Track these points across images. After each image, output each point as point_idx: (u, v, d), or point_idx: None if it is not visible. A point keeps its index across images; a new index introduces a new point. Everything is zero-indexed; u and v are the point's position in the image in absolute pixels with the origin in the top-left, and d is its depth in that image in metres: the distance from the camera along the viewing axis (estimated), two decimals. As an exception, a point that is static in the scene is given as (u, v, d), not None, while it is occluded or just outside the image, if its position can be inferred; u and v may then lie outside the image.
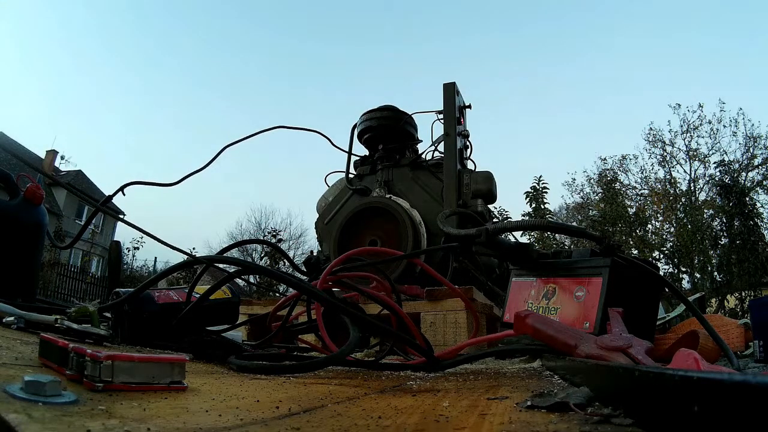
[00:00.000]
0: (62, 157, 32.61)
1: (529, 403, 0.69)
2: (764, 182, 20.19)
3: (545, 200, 14.85)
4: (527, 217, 13.50)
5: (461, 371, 1.59)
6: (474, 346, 1.93)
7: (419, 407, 0.79)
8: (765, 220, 16.08)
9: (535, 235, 13.73)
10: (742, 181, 18.90)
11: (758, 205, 16.86)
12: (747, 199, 16.20)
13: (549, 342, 1.32)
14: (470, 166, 3.77)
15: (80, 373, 0.70)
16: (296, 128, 3.53)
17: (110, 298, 1.76)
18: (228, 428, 0.57)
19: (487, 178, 3.40)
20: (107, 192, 2.66)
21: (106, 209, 3.08)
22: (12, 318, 1.29)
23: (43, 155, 31.85)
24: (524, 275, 2.11)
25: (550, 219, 14.95)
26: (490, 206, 3.60)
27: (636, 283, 1.78)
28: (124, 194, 2.16)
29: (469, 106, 3.91)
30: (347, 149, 3.97)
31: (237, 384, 1.03)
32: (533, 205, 14.78)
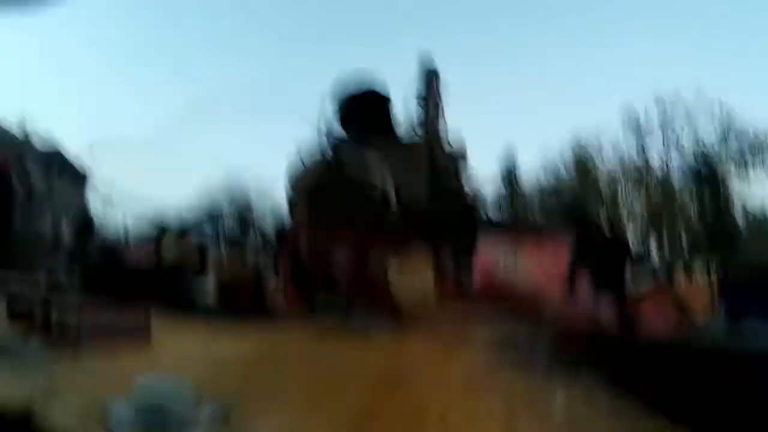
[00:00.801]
0: (31, 127, 31.53)
1: (495, 347, 0.71)
2: (739, 171, 20.26)
3: (519, 183, 14.90)
4: (502, 200, 13.62)
5: (432, 327, 1.61)
6: (443, 305, 1.95)
7: (387, 353, 0.80)
8: (737, 207, 16.32)
9: (507, 198, 13.81)
10: (718, 170, 19.01)
11: (731, 192, 17.05)
12: (721, 187, 16.36)
13: (518, 306, 1.34)
14: (445, 135, 3.76)
15: (48, 327, 0.70)
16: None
17: (80, 256, 1.74)
18: (188, 371, 0.58)
19: (460, 149, 3.42)
20: (77, 155, 2.60)
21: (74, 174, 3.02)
22: None
23: (12, 123, 30.80)
24: (493, 238, 2.14)
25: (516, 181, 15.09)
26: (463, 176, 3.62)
27: (604, 249, 1.82)
28: (92, 155, 2.11)
29: (445, 77, 3.89)
30: (324, 124, 3.93)
31: (203, 334, 1.04)
32: (506, 172, 14.79)
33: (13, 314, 0.78)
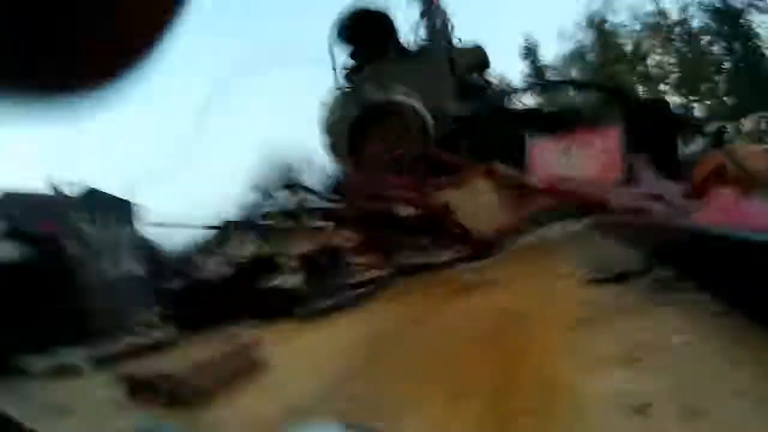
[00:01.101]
0: (68, 184, 32.38)
1: (591, 276, 0.72)
2: (756, 2, 18.68)
3: (540, 57, 14.36)
4: (528, 78, 13.20)
5: (511, 250, 1.62)
6: (513, 222, 1.96)
7: (491, 305, 0.83)
8: (765, 41, 15.24)
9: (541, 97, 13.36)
10: (734, 3, 17.67)
11: (754, 25, 15.89)
12: (742, 20, 15.27)
13: (583, 201, 1.34)
14: (456, 42, 3.66)
15: (171, 396, 0.70)
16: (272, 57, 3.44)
17: (164, 293, 1.78)
18: (315, 395, 0.59)
19: (477, 49, 3.32)
20: (119, 192, 2.66)
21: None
22: (80, 363, 1.32)
23: (49, 190, 31.87)
24: (539, 137, 2.11)
25: (549, 78, 14.57)
26: (487, 76, 3.53)
27: (652, 125, 1.76)
28: (138, 199, 2.16)
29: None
30: (332, 65, 3.88)
31: (310, 335, 1.07)
32: (530, 62, 14.32)
33: (130, 391, 0.81)
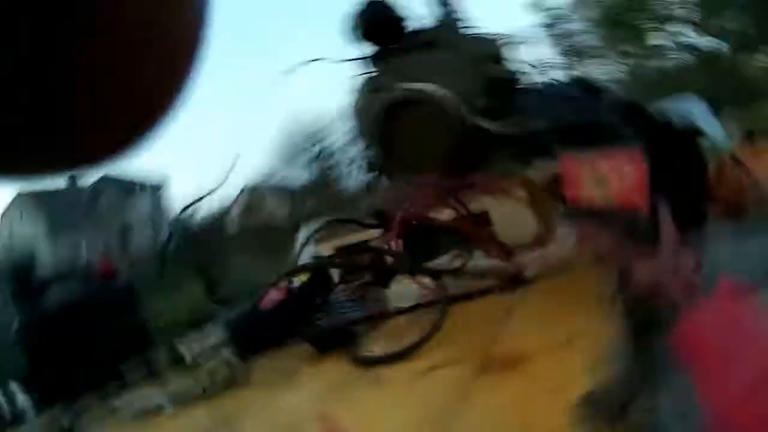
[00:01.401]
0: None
1: (588, 411, 0.82)
2: None
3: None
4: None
5: (537, 287, 1.70)
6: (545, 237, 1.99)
7: (517, 406, 0.92)
8: None
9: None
10: None
11: None
12: None
13: (609, 259, 1.42)
14: (471, 31, 3.62)
15: None
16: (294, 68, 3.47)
17: (223, 324, 1.87)
18: None
19: (494, 39, 3.30)
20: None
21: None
22: (164, 403, 1.36)
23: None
24: (570, 153, 2.09)
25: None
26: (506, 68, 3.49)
27: (676, 157, 1.73)
28: (189, 214, 2.27)
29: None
30: (350, 58, 3.88)
31: (374, 397, 1.14)
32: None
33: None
